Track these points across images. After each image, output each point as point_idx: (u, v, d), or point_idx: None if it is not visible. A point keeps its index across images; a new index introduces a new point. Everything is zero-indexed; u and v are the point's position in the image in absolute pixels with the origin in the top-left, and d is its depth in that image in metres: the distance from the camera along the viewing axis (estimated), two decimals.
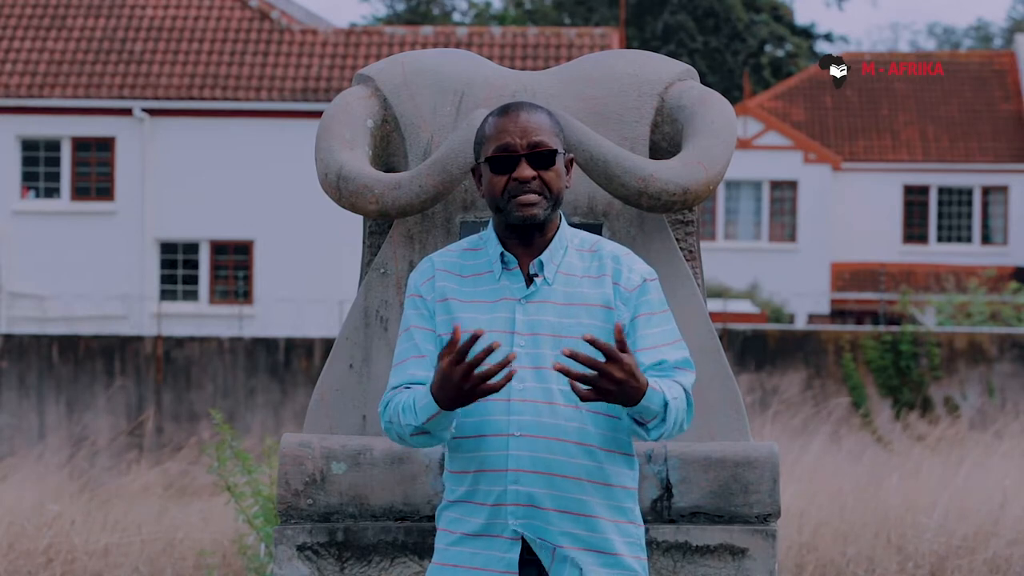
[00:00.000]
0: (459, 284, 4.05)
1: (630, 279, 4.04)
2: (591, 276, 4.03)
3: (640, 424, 3.93)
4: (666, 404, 3.90)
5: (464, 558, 3.98)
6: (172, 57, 31.87)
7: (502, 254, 4.02)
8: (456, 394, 3.82)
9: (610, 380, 3.80)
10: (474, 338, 3.78)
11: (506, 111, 4.02)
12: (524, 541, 3.95)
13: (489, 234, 4.08)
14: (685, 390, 4.01)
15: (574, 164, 4.46)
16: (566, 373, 3.79)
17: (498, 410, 3.95)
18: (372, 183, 4.88)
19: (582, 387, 3.81)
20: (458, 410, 3.91)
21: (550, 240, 4.04)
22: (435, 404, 3.86)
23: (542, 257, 4.01)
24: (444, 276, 4.06)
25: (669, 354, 4.02)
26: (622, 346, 3.81)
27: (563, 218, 4.09)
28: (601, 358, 3.80)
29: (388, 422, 4.04)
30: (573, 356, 3.78)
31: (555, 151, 3.99)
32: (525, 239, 4.03)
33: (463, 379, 3.80)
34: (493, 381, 3.81)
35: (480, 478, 3.96)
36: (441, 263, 4.09)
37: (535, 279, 4.01)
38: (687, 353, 4.06)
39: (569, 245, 4.06)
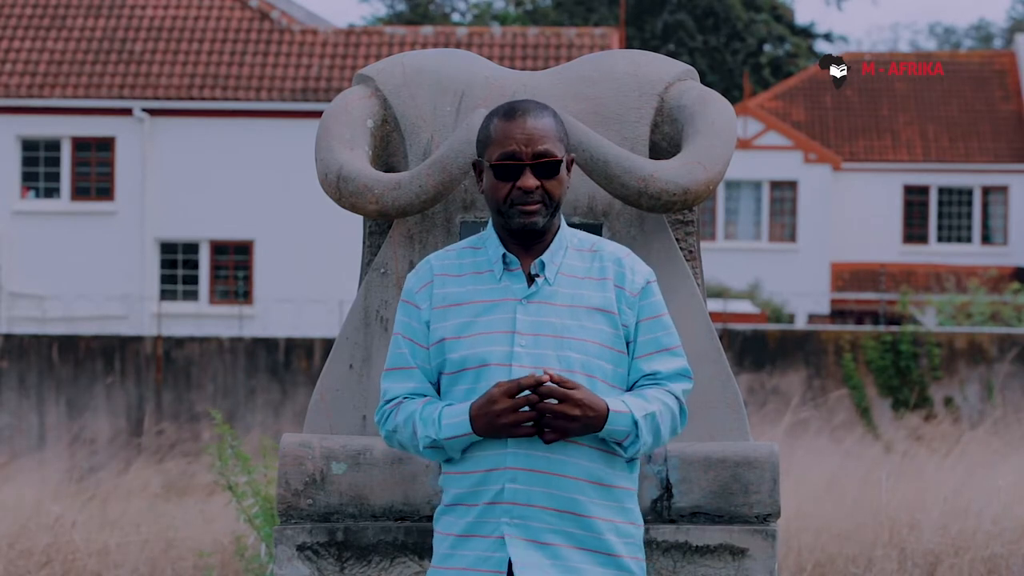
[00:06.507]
0: (458, 286, 4.03)
1: (634, 282, 4.03)
2: (593, 278, 4.02)
3: (616, 443, 3.95)
4: (636, 423, 3.90)
5: (456, 561, 3.98)
6: (172, 57, 31.86)
7: (504, 255, 4.01)
8: (494, 425, 3.87)
9: (566, 418, 3.85)
10: (537, 383, 3.83)
11: (512, 114, 3.98)
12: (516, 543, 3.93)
13: (489, 233, 4.06)
14: (677, 398, 4.01)
15: (573, 163, 4.45)
16: (533, 412, 3.86)
17: None
18: (372, 183, 4.88)
19: (545, 430, 3.88)
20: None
21: (550, 242, 4.03)
22: (469, 425, 3.90)
23: (543, 258, 4.00)
24: (443, 281, 4.04)
25: (664, 364, 4.02)
26: (566, 384, 3.86)
27: (562, 219, 4.08)
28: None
29: (391, 431, 4.04)
30: (536, 384, 3.84)
31: (560, 161, 3.98)
32: (525, 243, 4.02)
33: (505, 414, 3.85)
34: (526, 426, 3.87)
35: (478, 478, 3.95)
36: (440, 266, 4.07)
37: (536, 279, 4.00)
38: (683, 360, 4.06)
39: (569, 246, 4.05)
